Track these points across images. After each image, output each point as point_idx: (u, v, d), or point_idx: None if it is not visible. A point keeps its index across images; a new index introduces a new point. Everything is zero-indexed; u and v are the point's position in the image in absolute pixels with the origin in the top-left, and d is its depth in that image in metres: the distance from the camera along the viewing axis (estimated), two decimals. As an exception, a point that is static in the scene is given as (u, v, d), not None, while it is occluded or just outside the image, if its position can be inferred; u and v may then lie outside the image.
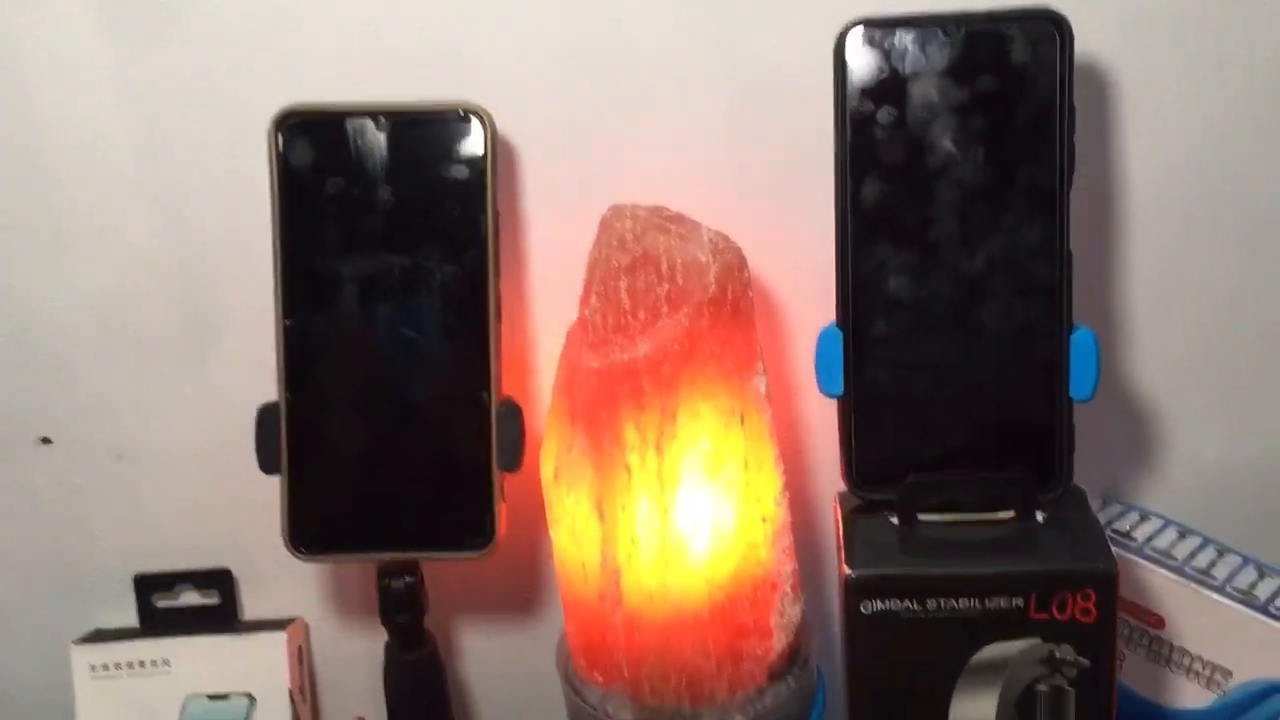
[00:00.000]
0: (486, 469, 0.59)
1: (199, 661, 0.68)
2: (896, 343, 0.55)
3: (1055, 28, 0.52)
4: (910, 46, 0.53)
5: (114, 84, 0.62)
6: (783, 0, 0.60)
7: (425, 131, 0.58)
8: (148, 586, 0.69)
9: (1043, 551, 0.52)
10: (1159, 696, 0.62)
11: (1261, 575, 0.61)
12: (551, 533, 0.58)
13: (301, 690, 0.69)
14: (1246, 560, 0.62)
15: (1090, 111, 0.60)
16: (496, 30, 0.60)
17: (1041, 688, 0.51)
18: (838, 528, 0.55)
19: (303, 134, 0.57)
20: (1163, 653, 0.62)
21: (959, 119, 0.53)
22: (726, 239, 0.56)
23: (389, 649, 0.63)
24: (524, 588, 0.69)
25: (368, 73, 0.61)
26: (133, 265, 0.65)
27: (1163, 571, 0.61)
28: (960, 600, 0.51)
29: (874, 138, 0.54)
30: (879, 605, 0.51)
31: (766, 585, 0.57)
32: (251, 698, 0.68)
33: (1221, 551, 0.63)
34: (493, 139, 0.58)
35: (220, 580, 0.69)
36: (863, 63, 0.54)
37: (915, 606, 0.51)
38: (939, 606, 0.51)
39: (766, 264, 0.61)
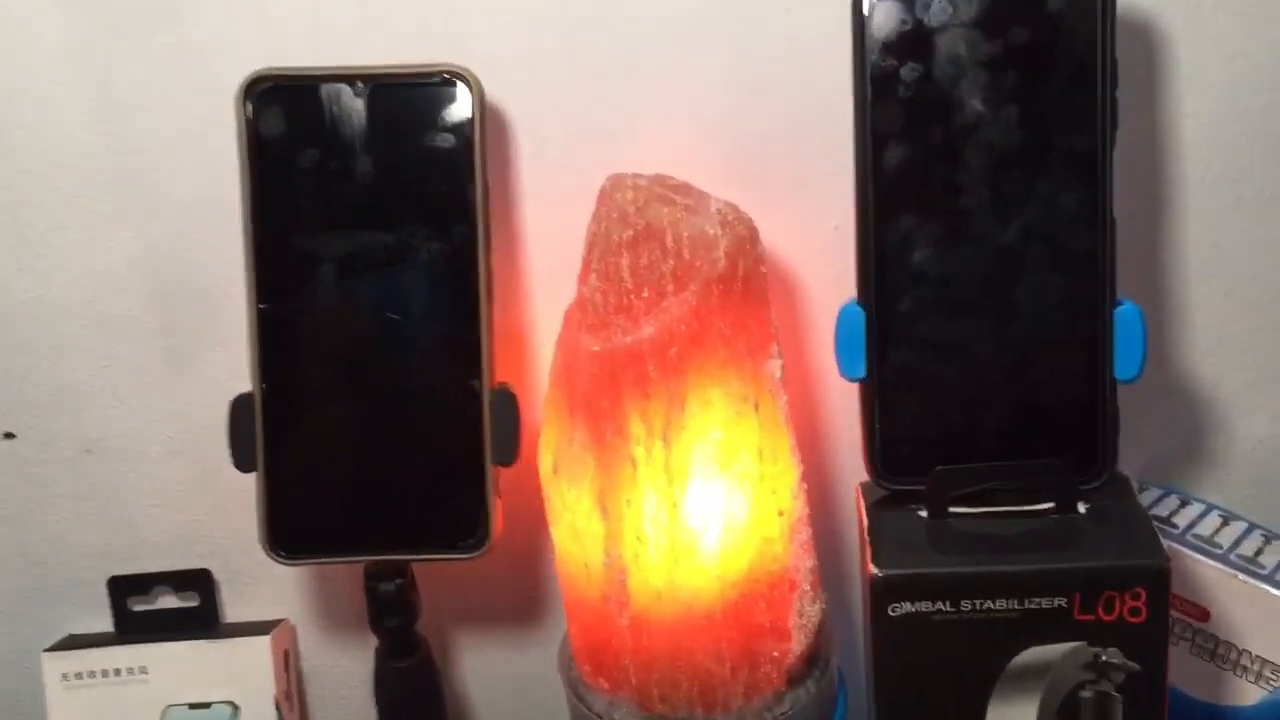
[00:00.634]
0: (480, 463, 0.59)
1: (178, 668, 0.68)
2: (923, 321, 0.55)
3: None
4: None
5: (69, 49, 0.62)
6: (795, -51, 0.60)
7: (407, 97, 0.58)
8: (122, 589, 0.69)
9: (1087, 546, 0.52)
10: (1205, 694, 0.62)
11: None
12: (552, 531, 0.59)
13: (288, 697, 0.69)
14: None
15: (1133, 67, 0.60)
16: None
17: (1086, 694, 0.51)
18: (861, 522, 0.55)
19: (274, 101, 0.57)
20: (1208, 647, 0.61)
21: (990, 75, 0.53)
22: (736, 210, 0.55)
23: (379, 655, 0.63)
24: (523, 589, 0.70)
25: (346, 34, 0.61)
26: (96, 248, 0.65)
27: (1207, 560, 0.60)
28: (997, 601, 0.51)
29: (897, 97, 0.54)
30: (908, 607, 0.51)
31: (784, 583, 0.57)
32: (235, 706, 0.67)
33: (1269, 538, 0.62)
34: (481, 104, 0.58)
35: (199, 581, 0.69)
36: (884, 15, 0.54)
37: (948, 608, 0.51)
38: (974, 608, 0.51)
39: (781, 237, 0.62)
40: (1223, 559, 0.60)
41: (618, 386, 0.53)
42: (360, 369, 0.59)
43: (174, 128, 0.62)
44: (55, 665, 0.67)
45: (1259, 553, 0.61)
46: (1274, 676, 0.59)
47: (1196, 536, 0.62)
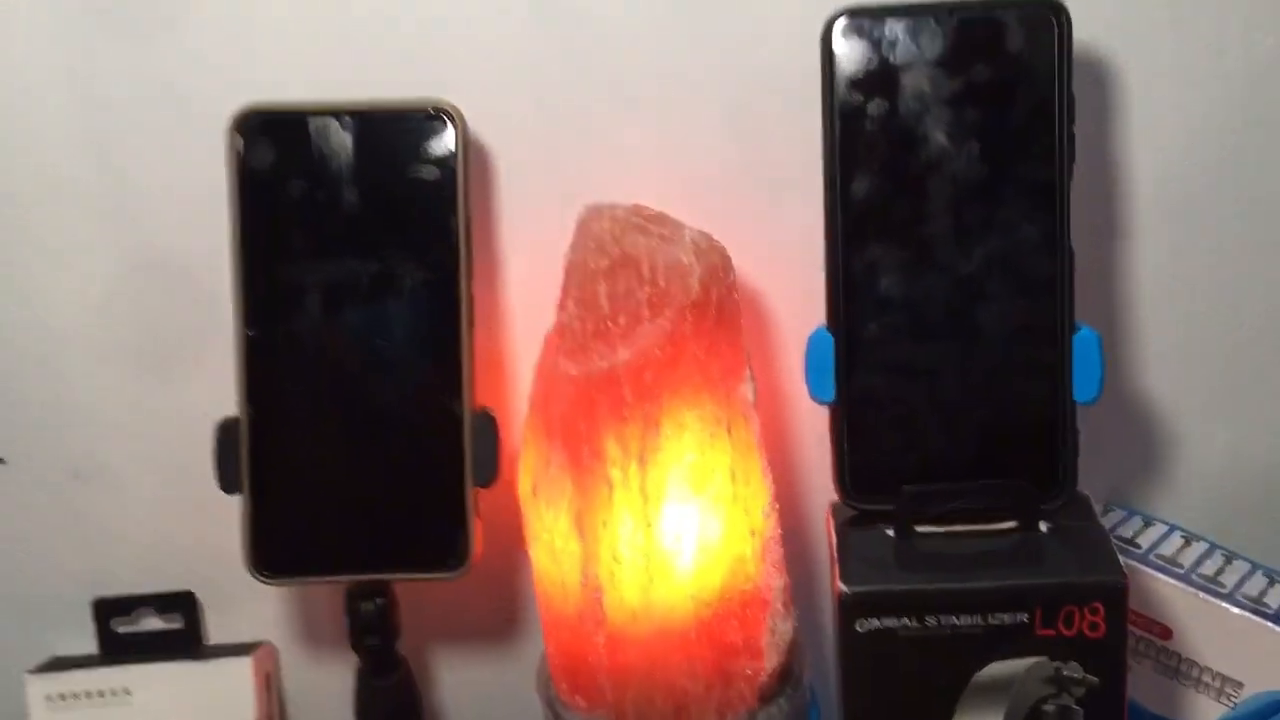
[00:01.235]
0: (460, 485, 0.59)
1: (161, 690, 0.67)
2: (890, 346, 0.55)
3: (1053, 14, 0.53)
4: (901, 35, 0.54)
5: (63, 82, 0.62)
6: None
7: (393, 131, 0.59)
8: (107, 611, 0.68)
9: (1047, 563, 0.53)
10: (1168, 710, 0.62)
11: (1272, 582, 0.61)
12: (530, 551, 0.59)
13: (269, 719, 0.69)
14: (1255, 567, 0.62)
15: (1089, 102, 0.60)
16: (467, 24, 0.61)
17: (1048, 708, 0.51)
18: (830, 541, 0.55)
19: (264, 134, 0.58)
20: (1171, 664, 0.62)
21: (953, 110, 0.54)
22: (710, 239, 0.56)
23: (360, 674, 0.63)
24: (502, 608, 0.70)
25: (332, 70, 0.62)
26: (85, 274, 0.65)
27: (1169, 580, 0.61)
28: (961, 616, 0.51)
29: (864, 131, 0.55)
30: (875, 623, 0.51)
31: (756, 602, 0.57)
32: None
33: (1229, 558, 0.63)
34: (464, 138, 0.58)
35: (183, 603, 0.69)
36: (851, 53, 0.54)
37: (913, 624, 0.51)
38: (939, 623, 0.51)
39: (752, 265, 0.62)
40: (1184, 578, 0.61)
41: (595, 410, 0.54)
42: (344, 393, 0.59)
43: (164, 161, 0.62)
44: (40, 687, 0.67)
45: (1220, 572, 0.61)
46: (1234, 693, 0.60)
47: (1159, 556, 0.62)
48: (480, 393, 0.59)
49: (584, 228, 0.56)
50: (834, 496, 0.57)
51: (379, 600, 0.60)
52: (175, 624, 0.69)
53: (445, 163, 0.58)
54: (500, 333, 0.64)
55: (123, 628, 0.68)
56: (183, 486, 0.66)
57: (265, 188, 0.58)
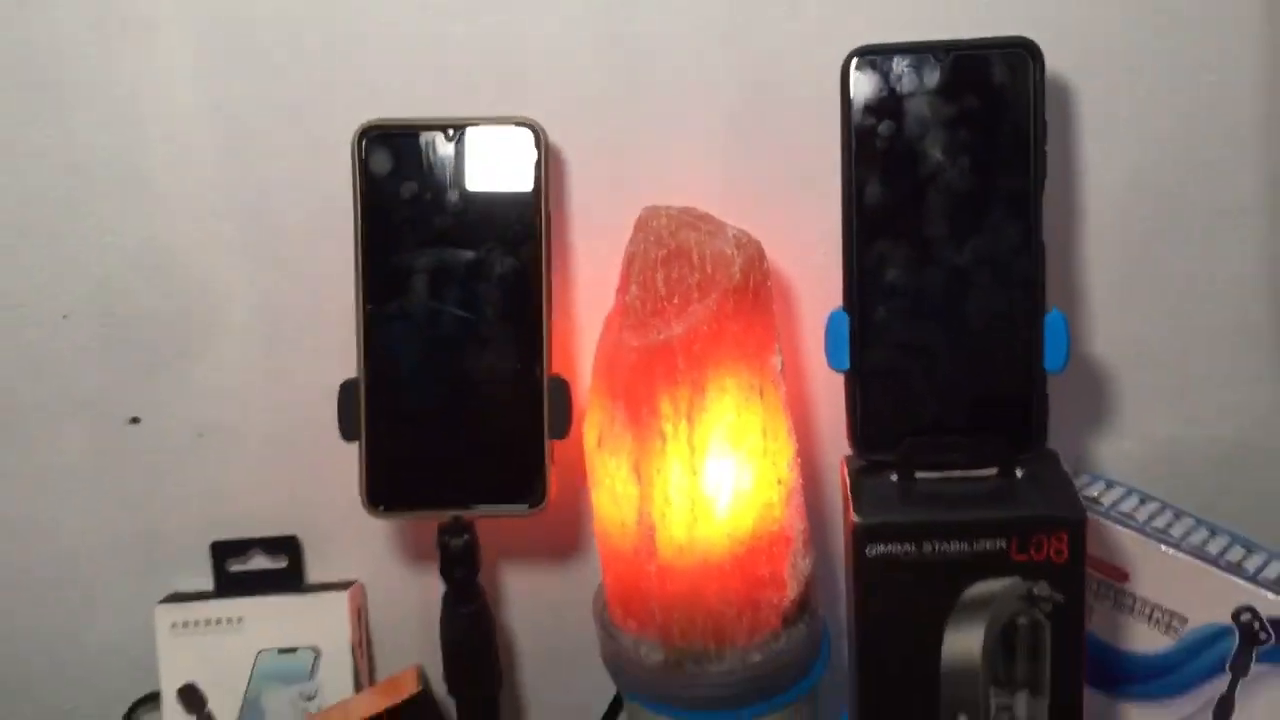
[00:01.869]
0: (538, 437, 0.61)
1: (269, 619, 0.70)
2: (895, 325, 0.56)
3: (1029, 54, 0.55)
4: (906, 70, 0.55)
5: (211, 108, 0.65)
6: (795, 32, 0.63)
7: (487, 142, 0.60)
8: (222, 552, 0.71)
9: (1021, 501, 0.54)
10: (1127, 644, 0.64)
11: (1212, 534, 0.64)
12: (592, 494, 0.61)
13: (360, 644, 0.71)
14: (1199, 522, 0.65)
15: (1059, 125, 0.62)
16: (547, 55, 0.63)
17: (1022, 621, 0.53)
18: (844, 485, 0.56)
19: (382, 145, 0.60)
20: (1126, 604, 0.64)
21: (947, 132, 0.55)
22: (748, 235, 0.58)
23: (446, 601, 0.64)
24: (565, 544, 0.71)
25: (438, 90, 0.64)
26: (218, 268, 0.68)
27: (1127, 530, 0.63)
28: (951, 543, 0.52)
29: (875, 148, 0.56)
30: (882, 549, 0.52)
31: (781, 541, 0.59)
32: (317, 651, 0.70)
33: (1178, 514, 0.65)
34: (545, 148, 0.60)
35: (288, 546, 0.71)
36: (865, 84, 0.55)
37: (913, 549, 0.52)
38: (933, 549, 0.52)
39: (783, 257, 0.64)
40: (1140, 529, 0.63)
41: (652, 375, 0.56)
42: (444, 359, 0.61)
43: (294, 167, 0.65)
44: (165, 616, 0.70)
45: (1169, 525, 0.64)
46: (1180, 626, 0.62)
47: (1119, 511, 0.65)
48: (555, 362, 0.61)
49: (643, 224, 0.58)
50: (846, 451, 0.57)
51: (465, 536, 0.61)
52: (281, 564, 0.71)
53: (529, 168, 0.60)
54: (570, 313, 0.66)
55: (235, 567, 0.71)
56: (290, 446, 0.70)
57: (382, 189, 0.60)
